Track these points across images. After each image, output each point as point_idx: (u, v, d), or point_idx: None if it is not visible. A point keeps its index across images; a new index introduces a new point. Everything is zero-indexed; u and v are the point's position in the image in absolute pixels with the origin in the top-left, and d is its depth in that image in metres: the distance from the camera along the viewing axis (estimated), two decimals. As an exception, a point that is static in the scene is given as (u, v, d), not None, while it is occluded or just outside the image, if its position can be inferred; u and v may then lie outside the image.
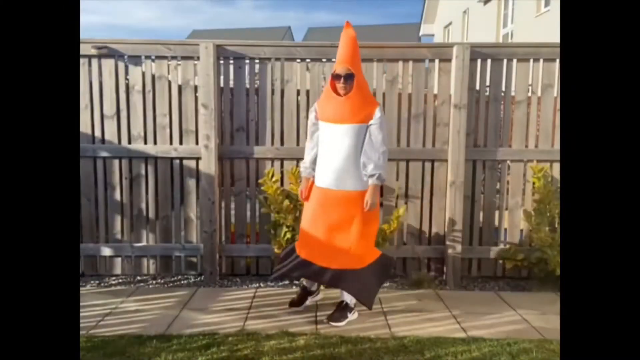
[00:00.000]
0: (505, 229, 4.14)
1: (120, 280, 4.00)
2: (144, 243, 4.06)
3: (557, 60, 4.00)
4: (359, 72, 3.12)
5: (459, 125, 3.92)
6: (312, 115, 3.25)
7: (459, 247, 4.01)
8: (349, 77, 3.04)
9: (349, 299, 3.22)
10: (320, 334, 3.00)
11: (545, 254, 3.76)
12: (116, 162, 4.00)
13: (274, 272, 3.39)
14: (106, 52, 3.88)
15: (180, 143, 4.00)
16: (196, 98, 3.97)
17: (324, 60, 4.00)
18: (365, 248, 3.18)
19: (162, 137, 3.99)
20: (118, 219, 4.05)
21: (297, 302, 3.36)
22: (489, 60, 3.98)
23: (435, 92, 4.05)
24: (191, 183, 4.04)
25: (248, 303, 3.48)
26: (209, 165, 3.92)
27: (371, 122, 3.09)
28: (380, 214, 3.36)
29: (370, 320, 3.23)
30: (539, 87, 3.99)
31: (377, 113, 3.09)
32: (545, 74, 3.97)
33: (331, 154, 3.12)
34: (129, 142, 3.99)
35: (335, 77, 3.07)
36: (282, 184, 3.95)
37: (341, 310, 3.20)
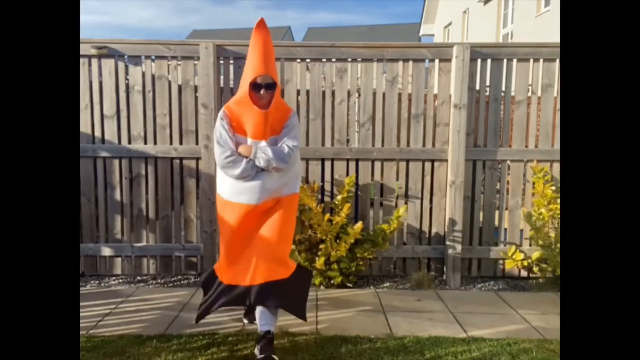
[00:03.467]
0: (505, 229, 4.14)
1: (120, 280, 4.00)
2: (144, 243, 4.06)
3: (557, 60, 4.00)
4: (276, 78, 2.73)
5: (459, 125, 3.92)
6: (225, 123, 2.74)
7: (459, 247, 4.01)
8: (270, 87, 2.66)
9: (272, 327, 2.70)
10: (320, 334, 3.00)
11: (545, 254, 3.76)
12: (116, 162, 4.00)
13: (199, 309, 2.87)
14: (106, 52, 3.88)
15: (180, 143, 4.00)
16: (196, 98, 3.97)
17: (323, 60, 4.00)
18: (287, 251, 2.85)
19: (162, 137, 3.99)
20: (118, 219, 4.05)
21: (251, 317, 3.07)
22: (489, 60, 3.98)
23: (435, 92, 4.05)
24: (191, 183, 4.04)
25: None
26: (209, 165, 3.92)
27: (284, 124, 2.80)
28: (297, 213, 3.01)
29: (370, 320, 3.23)
30: (539, 87, 3.99)
31: (291, 118, 2.80)
32: (545, 74, 3.97)
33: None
34: (129, 142, 3.99)
35: (255, 86, 2.66)
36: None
37: (270, 342, 2.65)
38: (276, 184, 2.76)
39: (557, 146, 4.08)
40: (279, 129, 2.78)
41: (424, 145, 4.04)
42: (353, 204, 4.00)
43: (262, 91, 2.66)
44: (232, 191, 2.77)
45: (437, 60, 4.01)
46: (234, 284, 2.76)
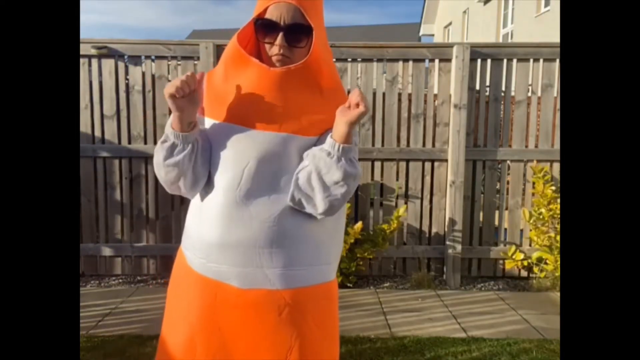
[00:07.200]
0: (505, 229, 4.15)
1: (120, 280, 4.00)
2: (144, 243, 4.06)
3: (557, 60, 4.00)
4: (321, 27, 1.32)
5: (459, 125, 3.92)
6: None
7: (459, 247, 4.01)
8: (296, 31, 1.27)
9: None
10: (320, 334, 3.00)
11: (545, 254, 3.76)
12: (116, 162, 4.00)
13: None
14: (106, 52, 3.88)
15: (180, 143, 3.99)
16: (196, 98, 3.97)
17: (324, 60, 4.00)
18: None
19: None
20: (118, 219, 4.05)
21: None
22: (489, 60, 3.98)
23: (435, 92, 4.06)
24: (191, 183, 4.03)
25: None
26: (209, 165, 3.91)
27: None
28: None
29: (370, 320, 3.23)
30: (539, 87, 3.99)
31: None
32: (545, 74, 3.97)
33: (242, 204, 1.27)
34: (129, 142, 3.99)
35: (263, 27, 1.28)
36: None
37: None
38: (275, 246, 1.28)
39: (557, 146, 4.08)
40: (320, 124, 1.31)
41: (424, 145, 4.04)
42: (353, 204, 4.00)
43: (279, 37, 1.26)
44: (188, 238, 1.41)
45: (437, 60, 4.01)
46: None
